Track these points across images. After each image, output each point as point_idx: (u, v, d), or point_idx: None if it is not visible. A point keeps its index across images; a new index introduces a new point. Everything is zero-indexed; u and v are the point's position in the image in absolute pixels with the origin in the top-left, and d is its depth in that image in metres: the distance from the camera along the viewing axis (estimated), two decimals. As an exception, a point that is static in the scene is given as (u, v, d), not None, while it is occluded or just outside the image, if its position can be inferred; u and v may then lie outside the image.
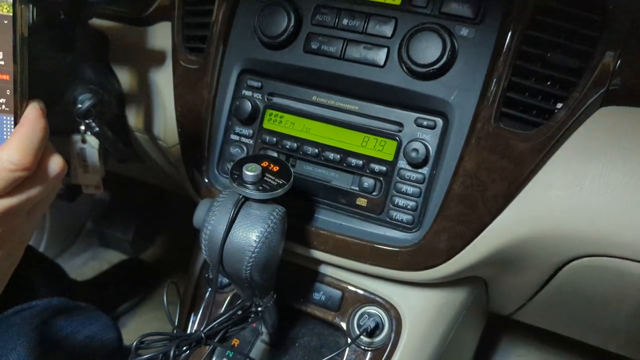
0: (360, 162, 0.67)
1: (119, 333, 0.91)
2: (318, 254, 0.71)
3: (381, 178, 0.67)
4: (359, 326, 0.72)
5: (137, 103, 0.86)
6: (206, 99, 0.74)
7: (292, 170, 0.59)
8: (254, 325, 0.76)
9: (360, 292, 0.74)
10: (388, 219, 0.67)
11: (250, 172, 0.55)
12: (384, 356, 0.71)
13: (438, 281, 0.67)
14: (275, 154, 0.72)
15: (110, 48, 0.86)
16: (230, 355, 0.76)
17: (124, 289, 1.47)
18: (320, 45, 0.67)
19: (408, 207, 0.65)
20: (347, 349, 0.73)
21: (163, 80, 0.81)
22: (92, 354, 0.85)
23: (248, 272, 0.54)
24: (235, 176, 0.56)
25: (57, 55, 0.74)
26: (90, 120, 0.75)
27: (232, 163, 0.60)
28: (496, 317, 1.06)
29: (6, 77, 0.42)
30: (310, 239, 0.70)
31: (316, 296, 0.75)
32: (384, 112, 0.66)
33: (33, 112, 0.42)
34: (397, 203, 0.66)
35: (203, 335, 0.58)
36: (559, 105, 0.59)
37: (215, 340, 0.60)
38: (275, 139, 0.71)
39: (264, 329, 0.73)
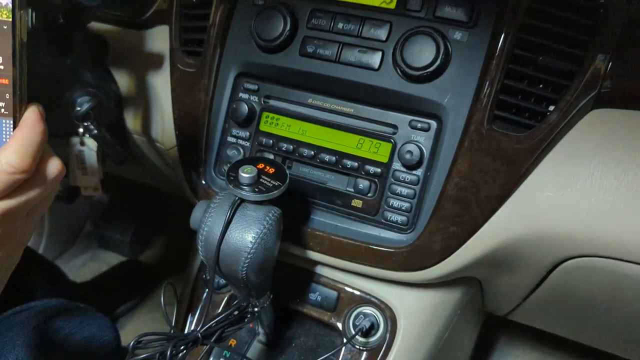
0: (356, 164, 0.68)
1: (118, 334, 0.92)
2: (314, 255, 0.72)
3: (376, 180, 0.67)
4: (354, 326, 0.73)
5: (135, 106, 0.87)
6: (203, 101, 0.75)
7: (287, 172, 0.60)
8: (251, 325, 0.76)
9: (356, 292, 0.75)
10: (383, 220, 0.68)
11: (246, 174, 0.56)
12: (379, 356, 0.72)
13: (433, 281, 0.68)
14: (271, 156, 0.72)
15: (108, 51, 0.87)
16: (227, 356, 0.76)
17: (123, 291, 1.47)
18: (315, 48, 0.68)
19: (402, 208, 0.66)
20: (343, 348, 0.73)
21: (161, 83, 0.82)
22: (90, 354, 0.86)
23: (244, 272, 0.55)
24: (232, 178, 0.57)
25: (56, 59, 0.74)
26: (89, 123, 0.76)
27: (229, 165, 0.61)
28: (493, 317, 1.07)
29: (5, 81, 0.42)
30: (306, 240, 0.70)
31: (312, 297, 0.76)
32: (379, 114, 0.67)
33: (32, 116, 0.43)
34: (392, 204, 0.67)
35: (200, 335, 0.58)
36: (551, 108, 0.60)
37: (212, 340, 0.60)
38: (271, 141, 0.72)
39: (260, 330, 0.74)
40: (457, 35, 0.62)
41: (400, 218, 0.67)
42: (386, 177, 0.67)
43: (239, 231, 0.55)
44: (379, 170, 0.67)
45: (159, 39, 0.83)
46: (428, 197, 0.64)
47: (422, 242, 0.64)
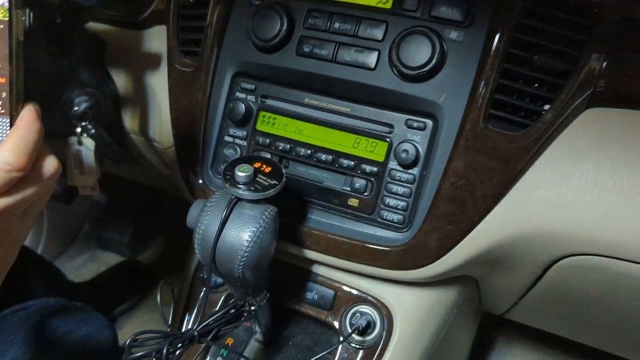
0: (352, 163, 0.68)
1: (115, 333, 0.92)
2: (311, 254, 0.72)
3: (372, 179, 0.68)
4: (351, 325, 0.73)
5: (133, 105, 0.87)
6: (200, 101, 0.75)
7: (284, 171, 0.60)
8: (248, 324, 0.76)
9: (353, 291, 0.75)
10: (379, 219, 0.68)
11: (242, 172, 0.56)
12: (376, 354, 0.72)
13: (428, 280, 0.68)
14: (268, 155, 0.73)
15: (106, 51, 0.87)
16: (225, 354, 0.77)
17: (121, 291, 1.48)
18: (312, 48, 0.68)
19: (399, 207, 0.67)
20: (340, 347, 0.73)
21: (158, 83, 0.82)
22: (87, 353, 0.86)
23: (240, 271, 0.55)
24: (228, 177, 0.57)
25: (54, 59, 0.74)
26: (87, 123, 0.76)
27: (226, 164, 0.61)
28: (491, 317, 1.07)
29: (2, 79, 0.43)
30: (302, 238, 0.71)
31: (309, 295, 0.76)
32: (375, 114, 0.67)
33: (28, 114, 0.43)
34: (388, 203, 0.67)
35: (196, 333, 0.58)
36: (546, 107, 0.60)
37: (208, 339, 0.61)
38: (268, 141, 0.72)
39: (257, 328, 0.74)
40: (453, 34, 0.62)
41: (396, 217, 0.67)
42: (382, 176, 0.67)
43: (235, 230, 0.55)
44: (375, 169, 0.67)
45: (156, 39, 0.83)
46: (424, 196, 0.65)
47: (418, 241, 0.65)
